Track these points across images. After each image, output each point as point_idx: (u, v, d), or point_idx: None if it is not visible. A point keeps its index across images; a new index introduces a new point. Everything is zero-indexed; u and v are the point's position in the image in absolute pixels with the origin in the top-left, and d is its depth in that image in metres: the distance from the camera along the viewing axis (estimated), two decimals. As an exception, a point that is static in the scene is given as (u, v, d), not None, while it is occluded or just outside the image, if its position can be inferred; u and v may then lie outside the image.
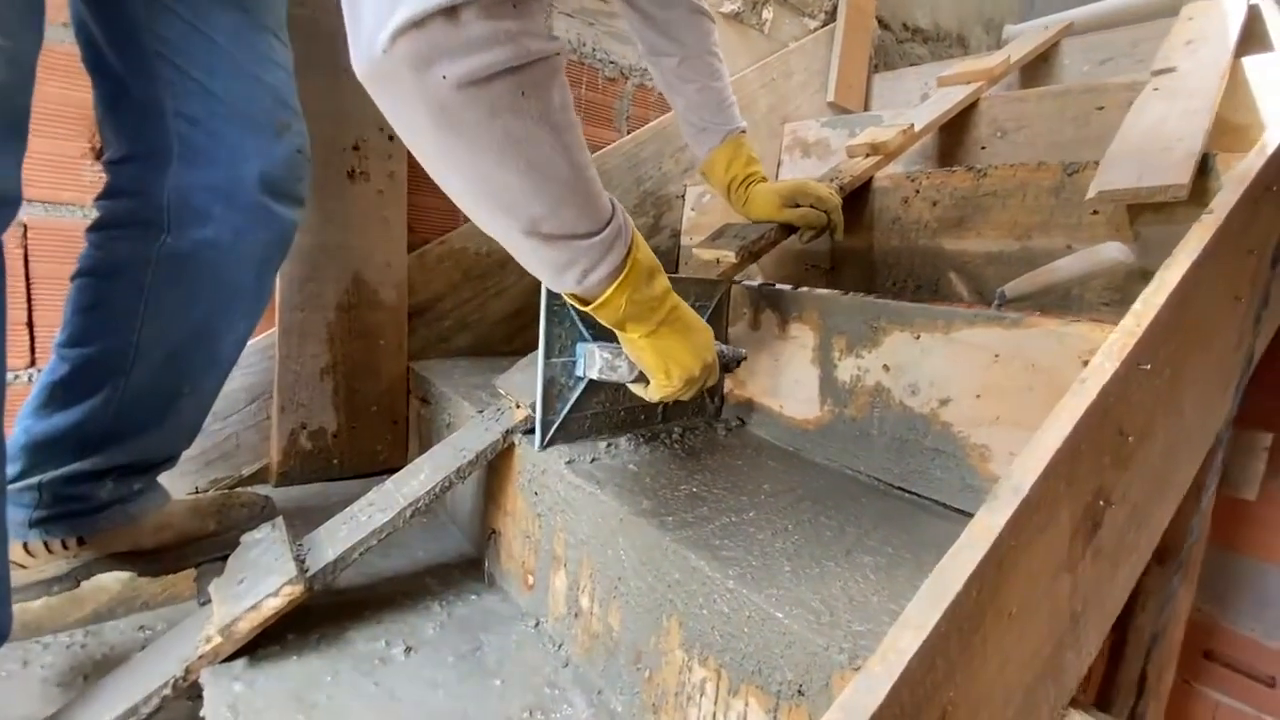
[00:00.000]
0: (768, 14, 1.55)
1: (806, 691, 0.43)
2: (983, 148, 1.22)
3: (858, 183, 1.04)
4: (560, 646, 0.69)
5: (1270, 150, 0.68)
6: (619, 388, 0.76)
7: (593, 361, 0.69)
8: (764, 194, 0.95)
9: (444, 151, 0.42)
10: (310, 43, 0.90)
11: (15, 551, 0.71)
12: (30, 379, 0.87)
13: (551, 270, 0.52)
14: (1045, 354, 0.59)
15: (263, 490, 0.98)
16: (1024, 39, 1.45)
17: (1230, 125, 0.88)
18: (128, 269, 0.71)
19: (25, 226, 0.85)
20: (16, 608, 0.65)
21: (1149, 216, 0.76)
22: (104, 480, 0.74)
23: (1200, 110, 0.78)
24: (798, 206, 0.95)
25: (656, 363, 0.62)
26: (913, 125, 1.12)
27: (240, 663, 0.63)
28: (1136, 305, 0.54)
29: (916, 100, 1.51)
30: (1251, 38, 1.04)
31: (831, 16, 1.68)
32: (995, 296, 0.77)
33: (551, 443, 0.73)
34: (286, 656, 0.65)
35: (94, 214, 0.72)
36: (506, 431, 0.76)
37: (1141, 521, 0.63)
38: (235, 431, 1.02)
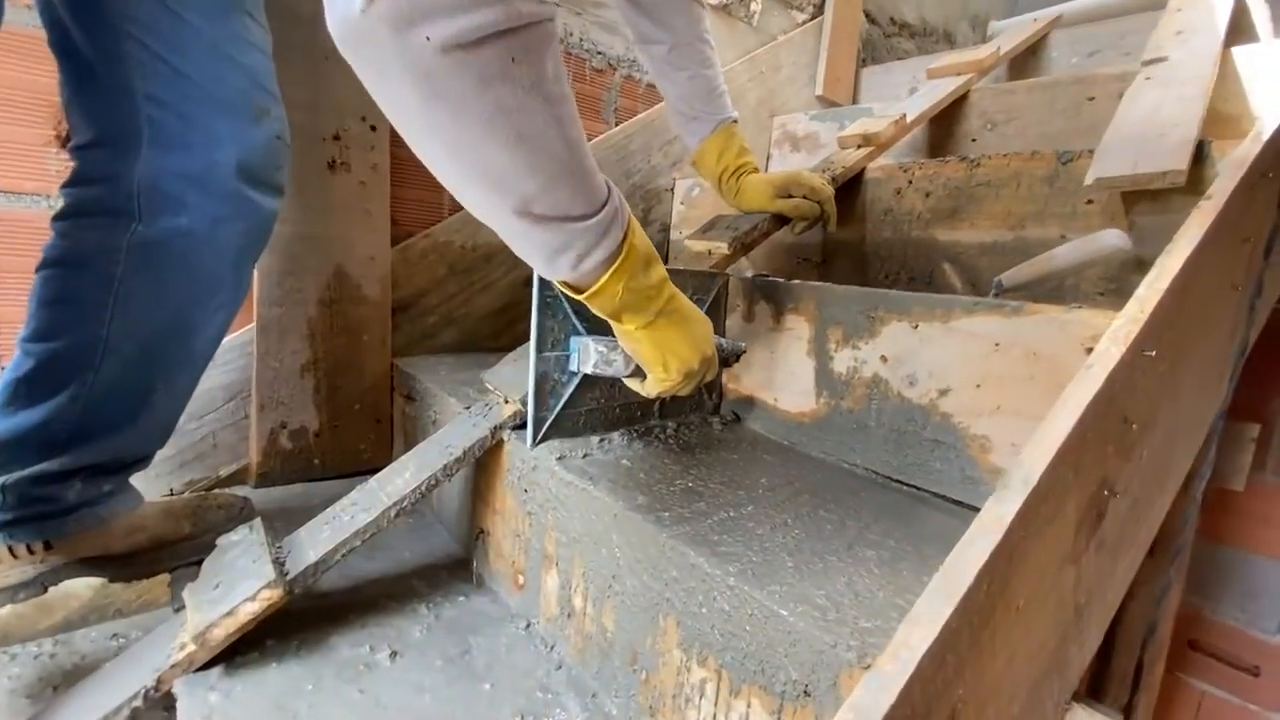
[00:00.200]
0: (756, 6, 1.53)
1: (813, 692, 0.41)
2: (973, 140, 1.21)
3: (850, 174, 1.03)
4: (552, 648, 0.67)
5: (1266, 136, 0.67)
6: (614, 383, 0.73)
7: (587, 355, 0.67)
8: (756, 184, 0.93)
9: (428, 123, 0.39)
10: (288, 27, 0.87)
11: (-22, 557, 0.68)
12: (-6, 377, 0.84)
13: (544, 255, 0.49)
14: (1047, 342, 0.58)
15: (241, 492, 0.94)
16: (1012, 32, 1.45)
17: (1222, 115, 0.88)
18: (96, 259, 0.68)
19: (-13, 218, 0.82)
20: (-21, 616, 0.62)
21: (1144, 205, 0.76)
22: (72, 481, 0.71)
23: (1194, 97, 0.78)
24: (790, 197, 0.93)
25: (654, 355, 0.60)
26: (904, 116, 1.11)
27: (216, 671, 0.60)
28: (1140, 290, 0.53)
29: (905, 94, 1.50)
30: (1239, 29, 1.04)
31: (819, 10, 1.67)
32: (992, 286, 0.76)
33: (544, 440, 0.70)
34: (266, 664, 0.62)
35: (60, 203, 0.69)
36: (495, 427, 0.74)
37: (1142, 512, 0.62)
38: (212, 431, 0.99)
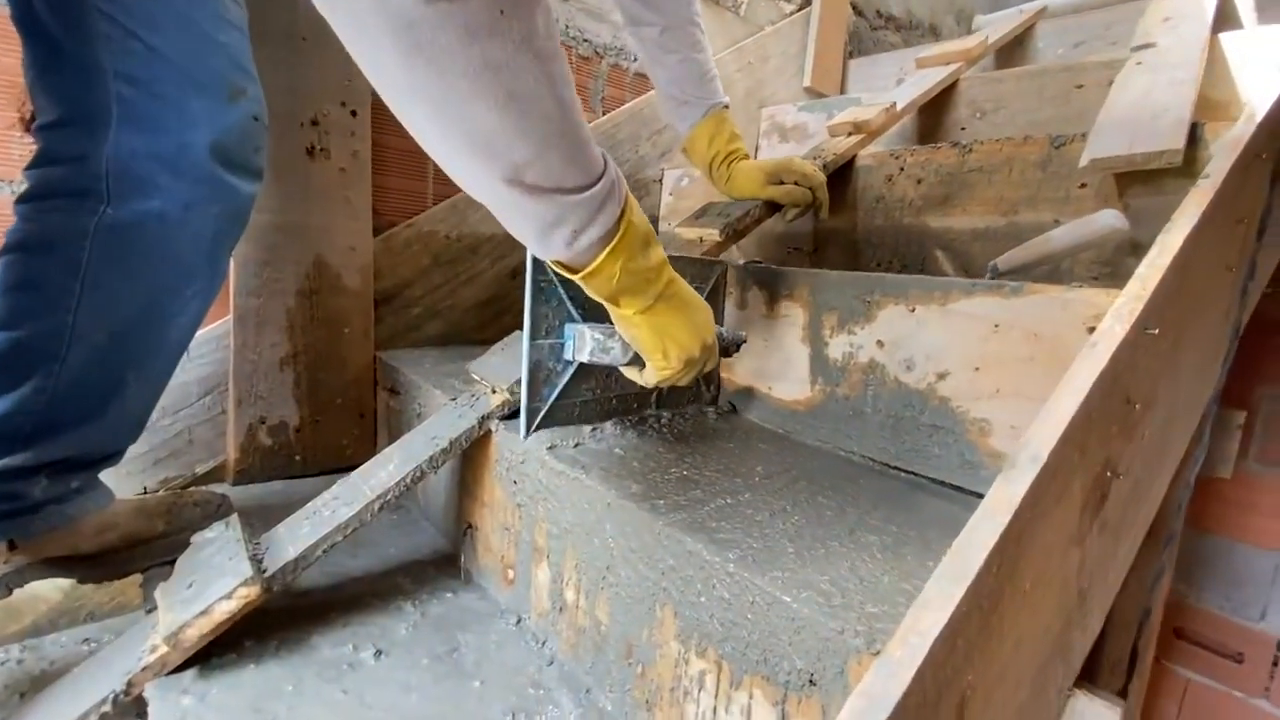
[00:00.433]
0: (743, -4, 1.52)
1: (819, 680, 0.40)
2: (962, 129, 1.21)
3: (840, 161, 1.02)
4: (544, 644, 0.65)
5: (1259, 118, 0.67)
6: (611, 373, 0.71)
7: (583, 343, 0.64)
8: (747, 171, 0.92)
9: (410, 80, 0.37)
10: (264, 6, 0.84)
11: (-64, 558, 0.64)
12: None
13: (537, 229, 0.47)
14: (1048, 322, 0.57)
15: (219, 490, 0.91)
16: (999, 24, 1.45)
17: (1211, 101, 0.88)
18: (62, 243, 0.64)
19: (-55, 204, 0.78)
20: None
21: (1138, 188, 0.75)
22: (37, 477, 0.67)
23: (1186, 80, 0.78)
24: (782, 183, 0.92)
25: (653, 342, 0.58)
26: (895, 104, 1.10)
27: (190, 673, 0.57)
28: (1141, 269, 0.52)
29: (892, 86, 1.50)
30: (1224, 16, 1.04)
31: (807, 1, 1.67)
32: (987, 270, 0.75)
33: (537, 431, 0.68)
34: (243, 665, 0.60)
35: (23, 186, 0.66)
36: (483, 418, 0.72)
37: (1142, 494, 0.62)
38: (187, 427, 0.95)
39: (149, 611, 0.64)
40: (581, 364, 0.67)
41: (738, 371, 0.86)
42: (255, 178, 0.73)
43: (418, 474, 0.68)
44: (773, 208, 0.94)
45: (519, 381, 0.67)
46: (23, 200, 0.65)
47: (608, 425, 0.72)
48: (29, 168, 0.66)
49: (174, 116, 0.65)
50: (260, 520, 0.79)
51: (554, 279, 0.64)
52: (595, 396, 0.72)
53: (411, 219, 1.12)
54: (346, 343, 1.04)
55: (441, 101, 0.37)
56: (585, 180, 0.45)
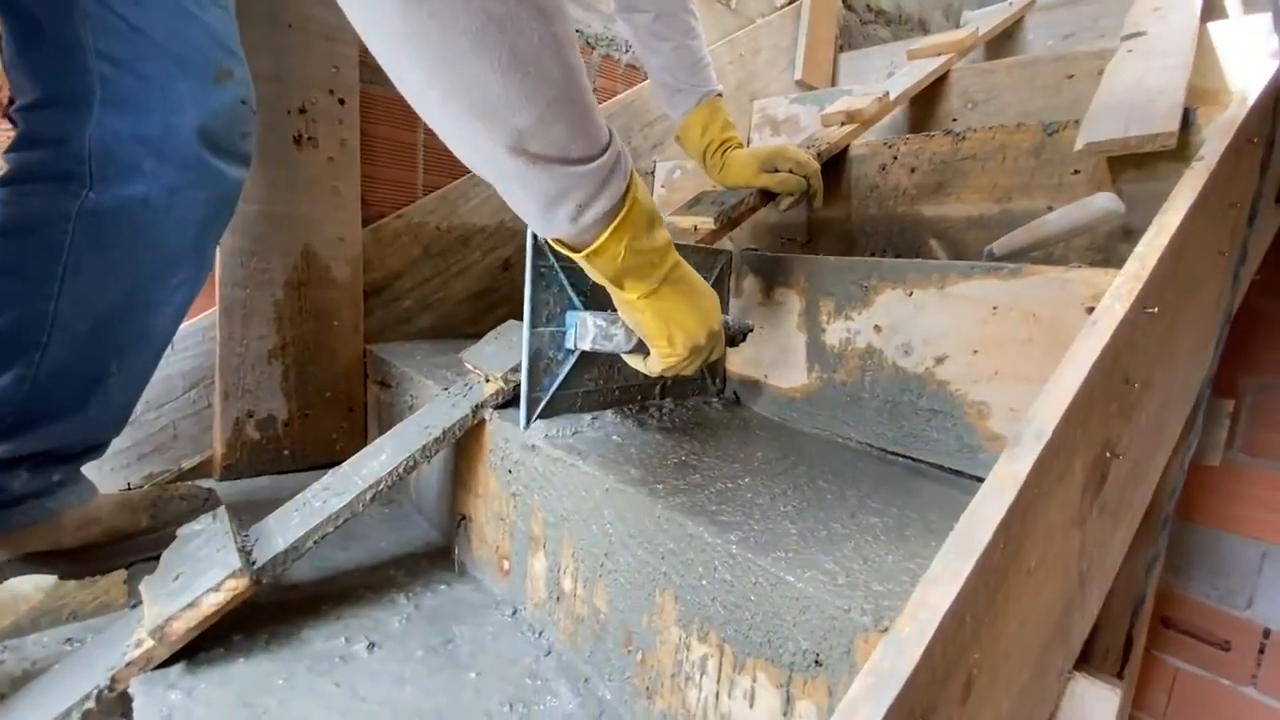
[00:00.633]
0: (734, -12, 1.52)
1: (825, 660, 0.39)
2: (954, 119, 1.21)
3: (834, 150, 1.02)
4: (541, 634, 0.64)
5: (1251, 101, 0.67)
6: (614, 362, 0.69)
7: (585, 331, 0.62)
8: (741, 159, 0.91)
9: (410, 32, 0.35)
10: (249, -9, 0.82)
11: (-89, 554, 0.62)
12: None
13: (540, 202, 0.45)
14: (1047, 303, 0.57)
15: (206, 485, 0.89)
16: (989, 17, 1.45)
17: (1200, 90, 0.89)
18: (42, 227, 0.62)
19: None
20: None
21: (1132, 173, 0.75)
22: (17, 470, 0.65)
23: (1178, 66, 0.78)
24: (776, 171, 0.91)
25: (658, 328, 0.56)
26: (888, 93, 1.10)
27: (177, 668, 0.56)
28: (1139, 249, 0.52)
29: (883, 79, 1.50)
30: (1211, 6, 1.05)
31: (797, -6, 1.66)
32: (983, 255, 0.75)
33: (536, 422, 0.67)
34: (232, 659, 0.58)
35: (2, 170, 0.64)
36: (476, 406, 0.71)
37: (1140, 477, 0.62)
38: (172, 421, 0.93)
39: (134, 606, 0.62)
40: (584, 352, 0.65)
41: (734, 360, 0.85)
42: (243, 163, 0.71)
43: (411, 463, 0.67)
44: (767, 196, 0.93)
45: (514, 369, 0.66)
46: (2, 184, 0.63)
47: (607, 414, 0.71)
48: (8, 150, 0.64)
49: (158, 98, 0.64)
50: (248, 516, 0.77)
51: (555, 264, 0.63)
52: (598, 386, 0.70)
53: (401, 210, 1.11)
54: (336, 335, 1.02)
55: (443, 57, 0.36)
56: (591, 150, 0.44)
